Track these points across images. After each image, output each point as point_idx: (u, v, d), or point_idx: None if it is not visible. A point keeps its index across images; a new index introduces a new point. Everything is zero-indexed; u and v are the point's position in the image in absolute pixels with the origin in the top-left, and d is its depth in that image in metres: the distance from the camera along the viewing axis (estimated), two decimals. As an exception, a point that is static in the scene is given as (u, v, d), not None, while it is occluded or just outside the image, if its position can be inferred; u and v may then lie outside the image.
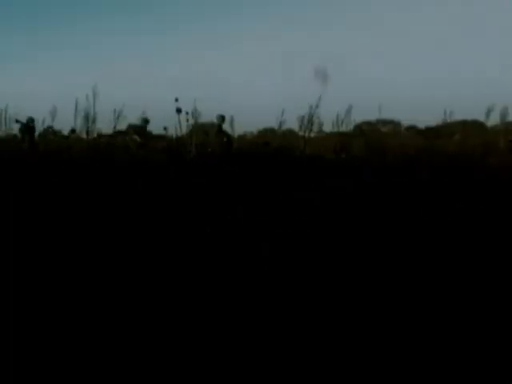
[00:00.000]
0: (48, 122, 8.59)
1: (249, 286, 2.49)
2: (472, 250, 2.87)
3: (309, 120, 7.74)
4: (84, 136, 6.76)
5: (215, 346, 2.04)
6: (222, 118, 8.40)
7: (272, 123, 9.06)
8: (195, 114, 7.17)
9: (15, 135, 8.89)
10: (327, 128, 8.85)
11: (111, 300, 2.36)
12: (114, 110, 7.28)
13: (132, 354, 1.99)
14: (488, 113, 8.97)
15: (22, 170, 4.34)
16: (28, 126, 8.68)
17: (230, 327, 2.16)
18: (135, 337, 2.09)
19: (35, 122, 8.64)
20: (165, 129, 8.88)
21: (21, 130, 8.85)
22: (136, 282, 2.53)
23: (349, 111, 7.16)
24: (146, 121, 9.16)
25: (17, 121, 8.72)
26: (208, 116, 8.62)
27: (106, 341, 2.06)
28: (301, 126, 7.86)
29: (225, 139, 8.26)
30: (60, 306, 2.29)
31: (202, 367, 1.93)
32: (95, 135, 7.17)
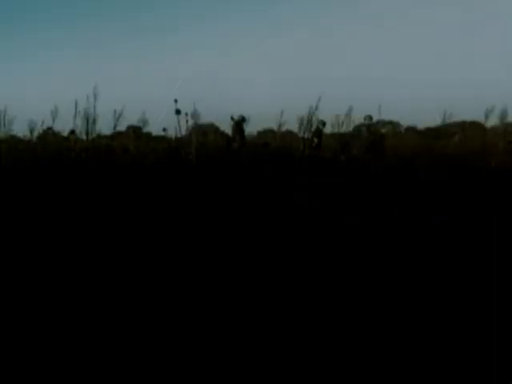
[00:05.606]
0: (48, 123, 8.49)
1: (248, 286, 2.49)
2: (471, 250, 2.87)
3: (308, 121, 7.74)
4: (83, 137, 6.75)
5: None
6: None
7: (272, 124, 9.03)
8: (195, 115, 7.16)
9: (14, 136, 8.72)
10: (327, 129, 8.82)
11: (107, 298, 2.36)
12: (114, 111, 7.27)
13: (132, 352, 1.99)
14: (487, 114, 8.97)
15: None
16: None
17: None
18: (135, 336, 2.09)
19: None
20: (164, 130, 8.85)
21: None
22: (135, 281, 2.53)
23: (349, 112, 7.15)
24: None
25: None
26: (207, 117, 8.58)
27: (111, 336, 2.05)
28: (300, 127, 7.85)
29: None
30: (60, 306, 2.29)
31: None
32: (95, 136, 7.16)
